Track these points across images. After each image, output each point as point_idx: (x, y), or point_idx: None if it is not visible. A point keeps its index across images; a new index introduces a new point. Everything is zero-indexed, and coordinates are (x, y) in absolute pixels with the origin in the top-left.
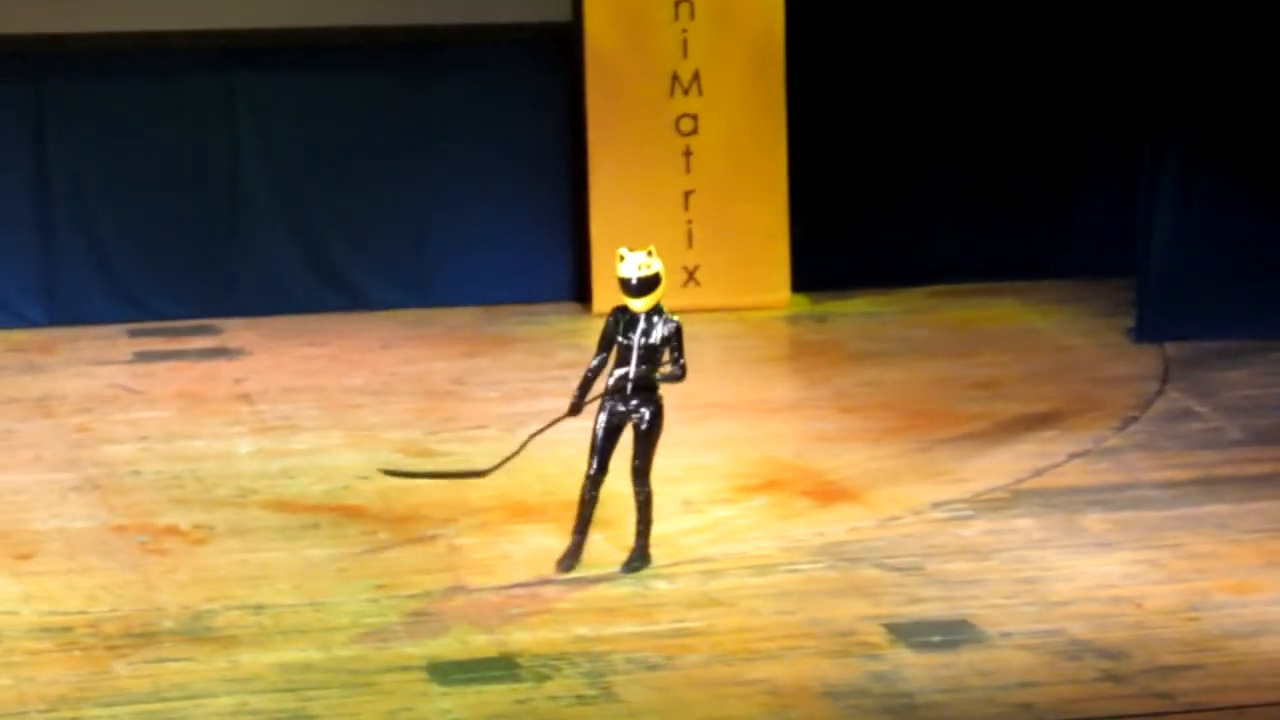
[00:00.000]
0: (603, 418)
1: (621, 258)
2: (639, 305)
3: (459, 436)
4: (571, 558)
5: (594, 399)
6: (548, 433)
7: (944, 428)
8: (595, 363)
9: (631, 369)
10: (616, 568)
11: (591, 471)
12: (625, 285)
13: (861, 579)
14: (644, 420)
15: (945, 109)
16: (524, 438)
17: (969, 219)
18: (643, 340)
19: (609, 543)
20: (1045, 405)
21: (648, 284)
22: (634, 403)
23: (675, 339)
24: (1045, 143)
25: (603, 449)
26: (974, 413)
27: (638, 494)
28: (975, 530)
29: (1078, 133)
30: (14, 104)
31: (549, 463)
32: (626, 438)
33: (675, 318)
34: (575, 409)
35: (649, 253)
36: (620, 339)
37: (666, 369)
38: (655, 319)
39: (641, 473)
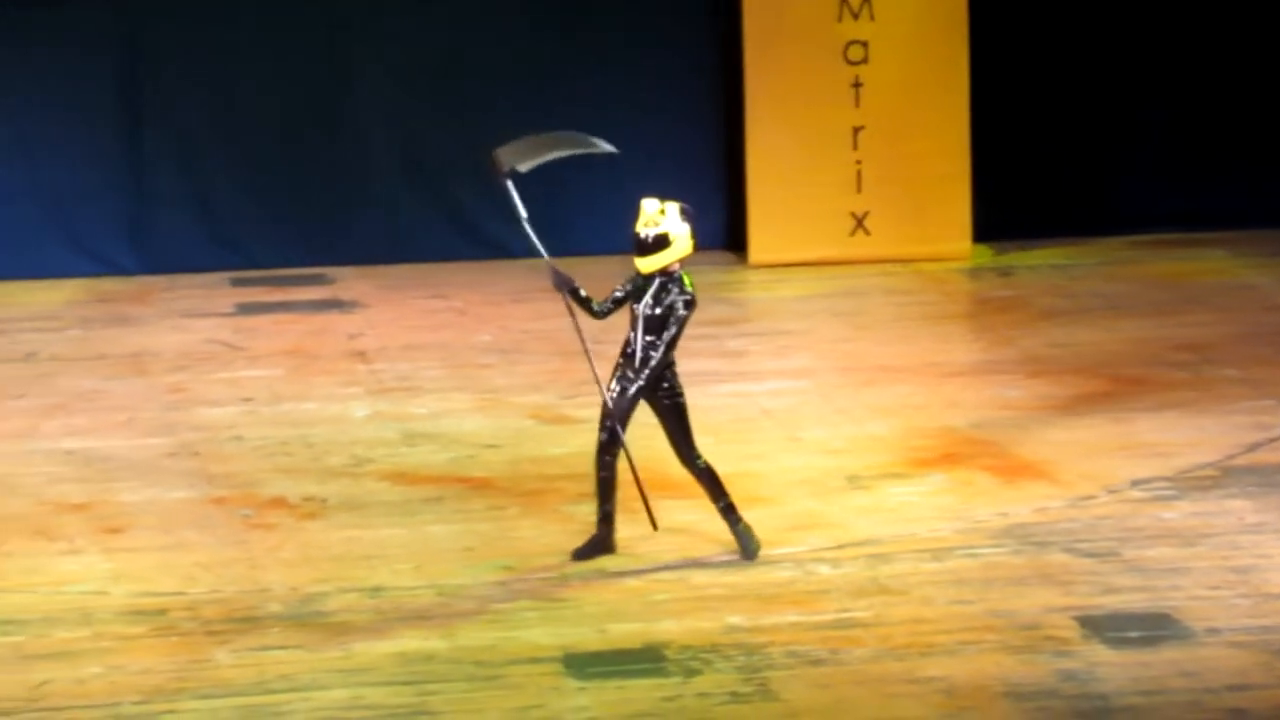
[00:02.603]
0: (614, 384)
1: (640, 211)
2: (640, 265)
3: (597, 401)
4: (596, 547)
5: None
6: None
7: (1145, 395)
8: (598, 306)
9: (637, 338)
10: (779, 549)
11: (603, 439)
12: (633, 241)
13: (1050, 565)
14: (659, 398)
15: (1148, 38)
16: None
17: (1173, 160)
18: (648, 309)
19: (768, 522)
20: (1260, 371)
21: (648, 244)
22: (649, 379)
23: (676, 317)
24: (1259, 75)
25: (615, 414)
26: (1179, 379)
27: (695, 471)
28: (1180, 512)
29: None
30: (101, 26)
31: (698, 430)
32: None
33: (690, 292)
34: (560, 283)
35: (660, 211)
36: (634, 303)
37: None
38: (671, 288)
39: (686, 449)
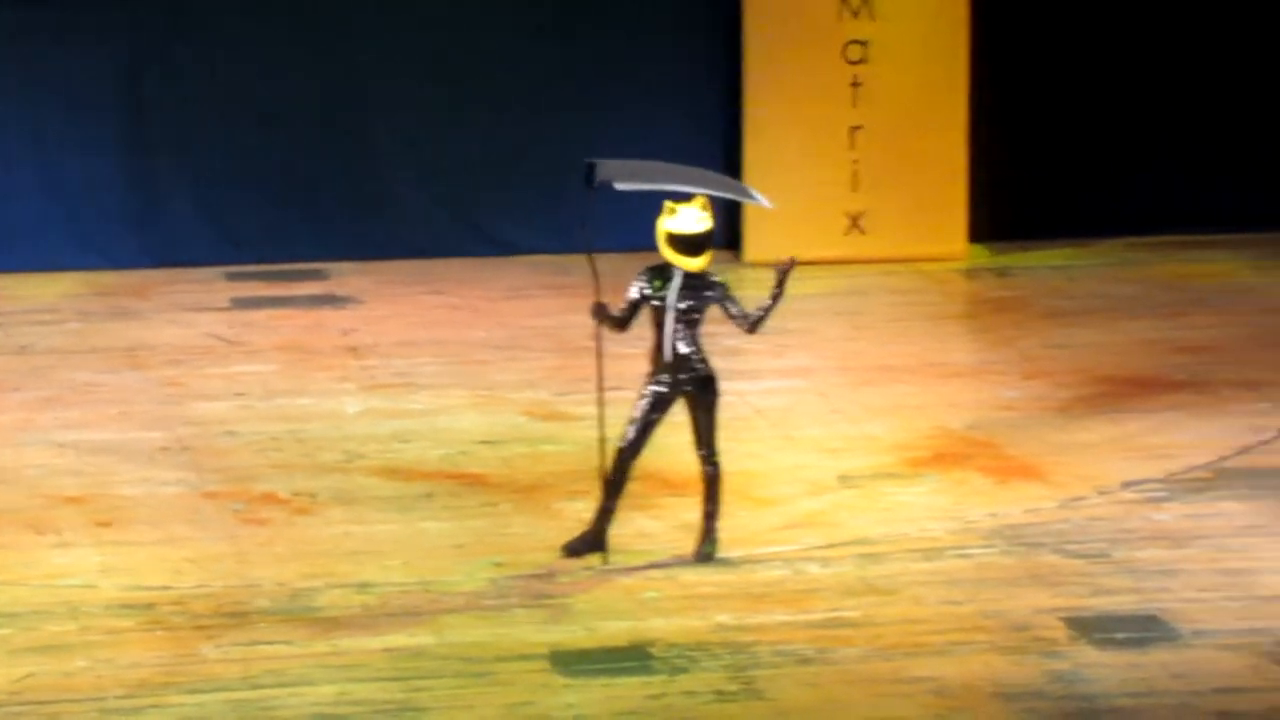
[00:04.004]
0: (648, 390)
1: (672, 210)
2: (693, 264)
3: (595, 399)
4: (588, 544)
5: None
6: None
7: (1140, 397)
8: (619, 314)
9: (667, 336)
10: (770, 547)
11: (631, 439)
12: (680, 242)
13: (1041, 566)
14: (705, 391)
15: (1149, 40)
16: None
17: (1173, 162)
18: (681, 303)
19: (760, 521)
20: (1258, 373)
21: (705, 241)
22: (681, 376)
23: (719, 293)
24: (1261, 77)
25: (648, 421)
26: (1176, 381)
27: (707, 470)
28: (1172, 514)
29: None
30: (106, 20)
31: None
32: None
33: (722, 279)
34: (599, 314)
35: (702, 206)
36: (654, 304)
37: (753, 312)
38: (694, 279)
39: (708, 444)
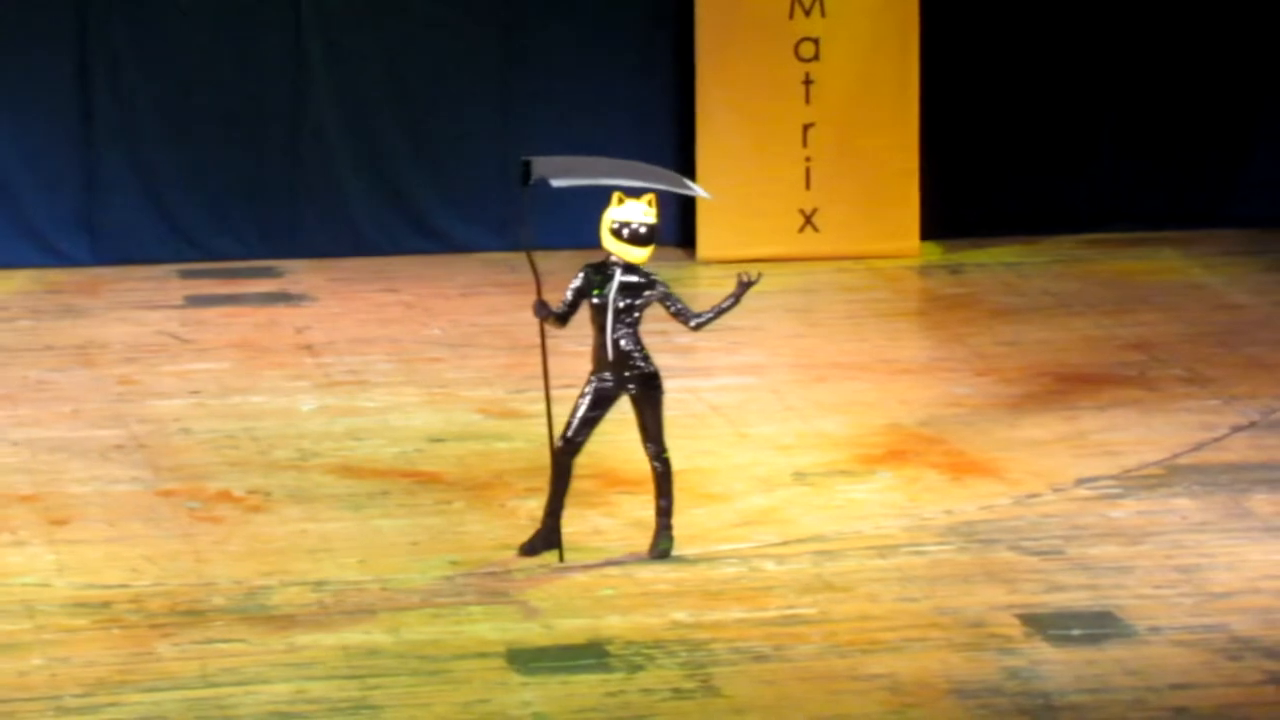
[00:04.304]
0: (589, 389)
1: (620, 200)
2: (637, 255)
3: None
4: (543, 542)
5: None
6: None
7: (1092, 394)
8: (559, 310)
9: (607, 336)
10: (725, 544)
11: (569, 433)
12: (627, 232)
13: (996, 563)
14: (647, 387)
15: (1099, 38)
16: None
17: (1123, 160)
18: (620, 302)
19: (715, 518)
20: (1208, 370)
21: (651, 234)
22: (624, 374)
23: (660, 292)
24: (1212, 76)
25: (588, 417)
26: (1127, 378)
27: (655, 466)
28: (1125, 511)
29: (1252, 66)
30: (54, 18)
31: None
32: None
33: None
34: (541, 311)
35: (649, 201)
36: (592, 301)
37: (701, 312)
38: (632, 274)
39: (656, 441)
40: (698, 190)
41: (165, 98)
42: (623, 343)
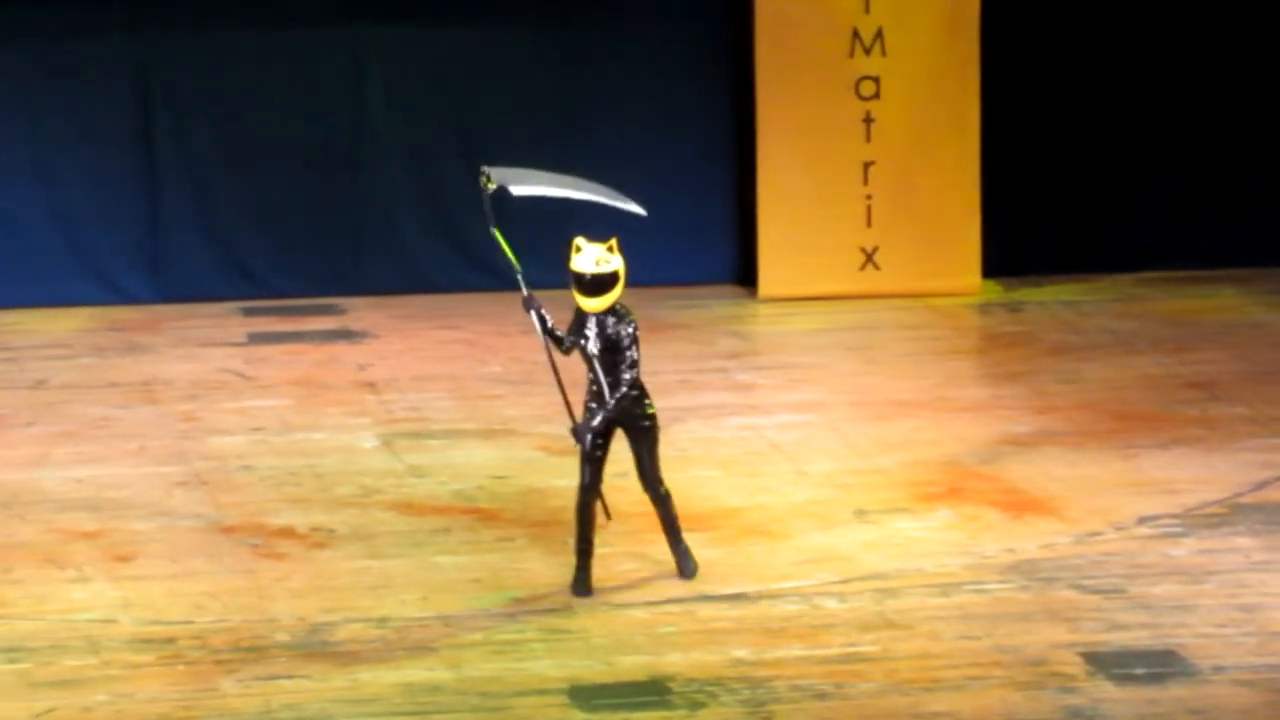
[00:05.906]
0: (591, 423)
1: (579, 248)
2: (590, 305)
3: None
4: (583, 583)
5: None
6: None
7: (1153, 433)
8: (562, 335)
9: (599, 376)
10: (785, 582)
11: (586, 480)
12: (578, 281)
13: (1056, 601)
14: (635, 422)
15: (1160, 76)
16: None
17: (1183, 198)
18: (596, 346)
19: (775, 555)
20: (1269, 409)
21: (603, 282)
22: (613, 413)
23: (629, 342)
24: (1271, 115)
25: (593, 456)
26: (1188, 416)
27: (654, 496)
28: (1187, 549)
29: None
30: (117, 56)
31: (706, 463)
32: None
33: (633, 317)
34: (529, 303)
35: (609, 248)
36: (581, 340)
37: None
38: (608, 320)
39: (650, 477)
40: (635, 208)
41: (227, 137)
42: (611, 383)
